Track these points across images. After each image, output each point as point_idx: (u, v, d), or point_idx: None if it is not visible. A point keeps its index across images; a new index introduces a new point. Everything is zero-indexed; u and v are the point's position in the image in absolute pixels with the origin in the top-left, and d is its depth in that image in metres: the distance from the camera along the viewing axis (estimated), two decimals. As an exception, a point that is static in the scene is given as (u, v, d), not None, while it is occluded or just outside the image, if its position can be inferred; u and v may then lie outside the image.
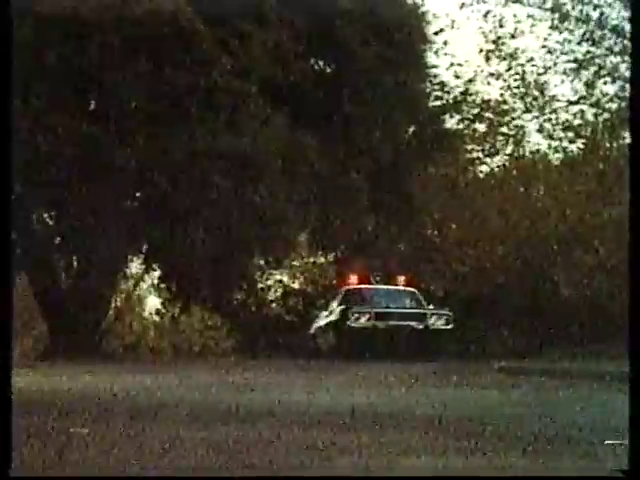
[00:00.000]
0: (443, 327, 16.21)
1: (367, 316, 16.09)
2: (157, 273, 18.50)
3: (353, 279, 18.04)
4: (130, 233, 16.51)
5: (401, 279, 18.18)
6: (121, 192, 15.74)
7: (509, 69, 21.14)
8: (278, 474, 3.66)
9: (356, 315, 16.15)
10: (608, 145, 21.09)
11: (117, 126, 14.36)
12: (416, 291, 17.86)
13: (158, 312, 22.35)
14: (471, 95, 21.21)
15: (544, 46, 20.89)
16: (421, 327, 16.02)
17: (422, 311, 16.55)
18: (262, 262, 19.11)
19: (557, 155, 21.62)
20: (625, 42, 20.82)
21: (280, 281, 22.56)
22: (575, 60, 20.99)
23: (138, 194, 16.47)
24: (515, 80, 21.16)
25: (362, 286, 18.08)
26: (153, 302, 22.79)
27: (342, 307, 16.76)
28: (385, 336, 15.80)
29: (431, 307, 17.13)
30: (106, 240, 15.96)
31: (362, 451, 4.44)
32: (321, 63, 16.83)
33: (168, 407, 6.91)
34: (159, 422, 5.72)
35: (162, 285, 18.78)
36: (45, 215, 17.42)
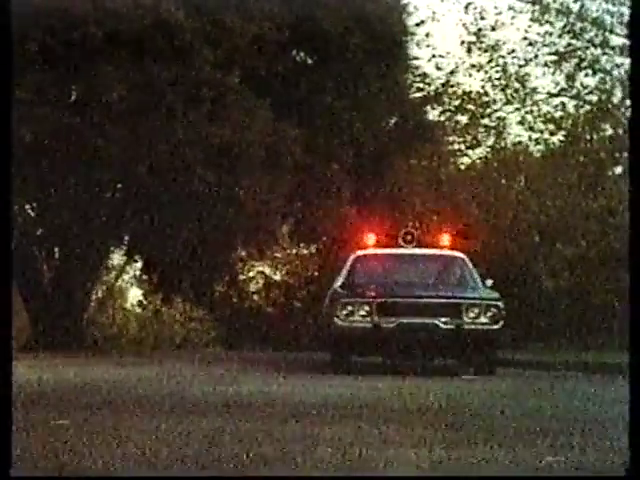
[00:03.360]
0: (487, 327, 10.61)
1: (366, 309, 10.69)
2: (139, 264, 18.50)
3: (369, 239, 12.63)
4: (112, 224, 16.49)
5: (444, 239, 12.88)
6: (103, 183, 15.70)
7: (490, 61, 21.21)
8: (270, 470, 3.68)
9: (348, 308, 10.73)
10: (589, 137, 21.17)
11: (99, 117, 14.30)
12: (465, 258, 12.35)
13: (140, 304, 22.31)
14: (452, 87, 21.26)
15: (525, 38, 20.99)
16: (452, 327, 10.58)
17: (457, 300, 10.86)
18: (244, 254, 19.12)
19: (538, 147, 21.70)
20: (606, 34, 20.93)
21: (262, 273, 22.57)
22: (556, 52, 21.09)
23: (120, 185, 16.44)
24: (496, 72, 21.23)
25: (377, 251, 12.50)
26: (135, 294, 22.77)
27: (331, 291, 11.58)
28: (392, 345, 10.63)
29: (487, 287, 11.66)
30: (88, 231, 15.93)
31: (339, 443, 4.47)
32: (303, 54, 16.81)
33: (149, 398, 6.92)
34: (140, 413, 5.73)
35: (144, 277, 18.77)
36: (27, 206, 17.36)
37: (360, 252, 12.43)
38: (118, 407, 6.23)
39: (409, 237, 12.51)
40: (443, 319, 10.63)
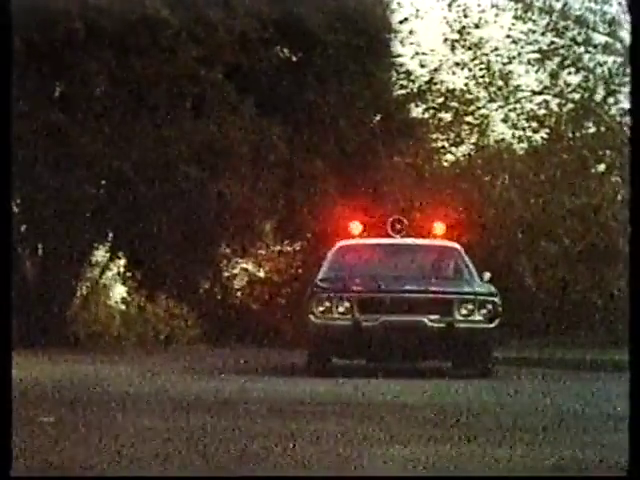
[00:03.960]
0: (481, 325, 9.57)
1: (345, 305, 9.62)
2: (123, 261, 18.46)
3: (354, 227, 11.43)
4: (96, 221, 16.46)
5: (438, 228, 11.61)
6: (86, 180, 15.67)
7: (474, 59, 21.25)
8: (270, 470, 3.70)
9: (325, 304, 9.66)
10: (572, 135, 21.27)
11: (82, 113, 14.28)
12: (460, 248, 11.25)
13: (124, 300, 22.30)
14: (436, 84, 21.29)
15: (508, 36, 21.03)
16: (441, 325, 9.49)
17: (447, 295, 9.83)
18: (228, 251, 19.12)
19: (521, 145, 21.79)
20: (588, 32, 21.00)
21: (246, 270, 22.57)
22: (539, 50, 21.15)
23: (104, 182, 16.41)
24: (480, 70, 21.26)
25: (362, 241, 11.34)
26: (119, 290, 22.73)
27: (310, 286, 10.45)
28: (374, 345, 9.62)
29: (485, 281, 10.60)
30: (72, 228, 15.89)
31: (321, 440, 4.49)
32: (287, 51, 16.83)
33: (131, 396, 6.93)
34: (122, 411, 5.75)
35: (128, 273, 18.74)
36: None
37: (344, 242, 11.26)
38: (102, 404, 6.23)
39: (398, 226, 11.22)
40: (432, 316, 9.48)
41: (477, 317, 9.57)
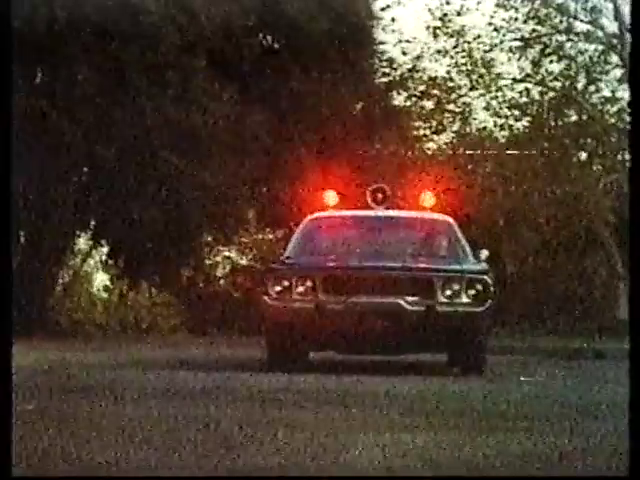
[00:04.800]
0: (468, 309, 8.13)
1: (307, 284, 8.16)
2: (105, 249, 18.41)
3: (328, 197, 9.81)
4: (78, 208, 16.40)
5: (427, 199, 9.90)
6: (68, 167, 15.61)
7: (456, 46, 21.26)
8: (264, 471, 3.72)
9: (283, 284, 8.22)
10: (553, 124, 21.33)
11: (64, 100, 14.22)
12: (452, 222, 9.80)
13: (106, 288, 22.22)
14: (418, 72, 21.30)
15: (490, 24, 21.05)
16: (421, 308, 8.10)
17: (428, 273, 8.42)
18: (210, 238, 19.09)
19: (503, 133, 21.83)
20: (570, 21, 21.04)
21: (228, 258, 22.56)
22: (521, 38, 21.18)
23: (85, 169, 16.36)
24: (462, 57, 21.28)
25: (336, 213, 9.75)
26: (101, 278, 22.66)
27: (269, 266, 9.16)
28: (340, 333, 8.26)
29: (481, 260, 9.17)
30: (53, 216, 15.84)
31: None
32: (269, 39, 16.80)
33: (112, 383, 6.93)
34: (103, 398, 5.76)
35: (110, 261, 18.68)
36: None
37: (315, 215, 9.74)
38: (84, 392, 6.24)
39: (380, 195, 9.66)
40: (410, 298, 8.06)
41: (464, 299, 8.11)
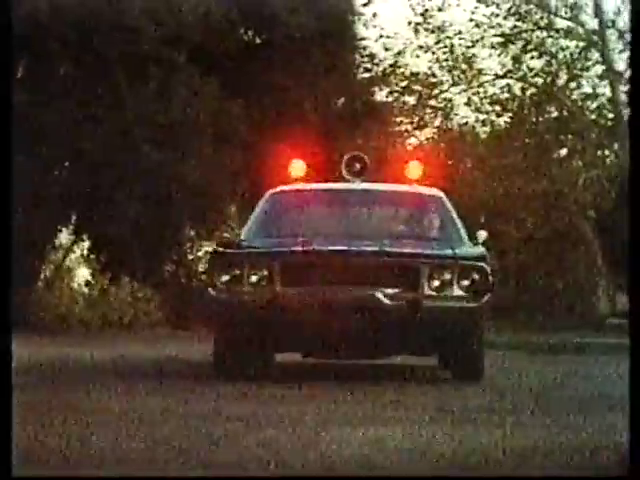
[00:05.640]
0: (461, 304, 6.57)
1: (263, 273, 6.57)
2: (87, 244, 18.40)
3: (295, 168, 8.16)
4: (59, 203, 16.39)
5: (413, 170, 8.24)
6: (50, 161, 15.60)
7: (437, 42, 21.31)
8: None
9: (232, 272, 6.61)
10: (534, 119, 21.42)
11: (45, 94, 14.21)
12: (443, 197, 8.19)
13: (88, 283, 22.17)
14: (400, 67, 21.35)
15: (472, 20, 21.12)
16: (403, 303, 6.45)
17: (412, 259, 6.73)
18: (192, 233, 19.10)
19: (484, 128, 21.91)
20: (551, 17, 21.14)
21: (210, 252, 22.54)
22: (502, 34, 21.25)
23: (67, 163, 16.34)
24: (443, 53, 21.34)
25: (304, 187, 8.12)
26: (83, 273, 22.62)
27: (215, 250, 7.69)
28: (304, 332, 6.60)
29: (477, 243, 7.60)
30: (35, 210, 15.82)
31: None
32: (251, 33, 16.82)
33: (91, 378, 6.95)
34: (82, 392, 5.78)
35: (92, 256, 18.68)
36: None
37: (278, 189, 8.19)
38: (65, 387, 6.26)
39: (357, 165, 8.09)
40: (389, 290, 6.47)
41: (456, 291, 6.56)
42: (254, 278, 6.57)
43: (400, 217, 8.38)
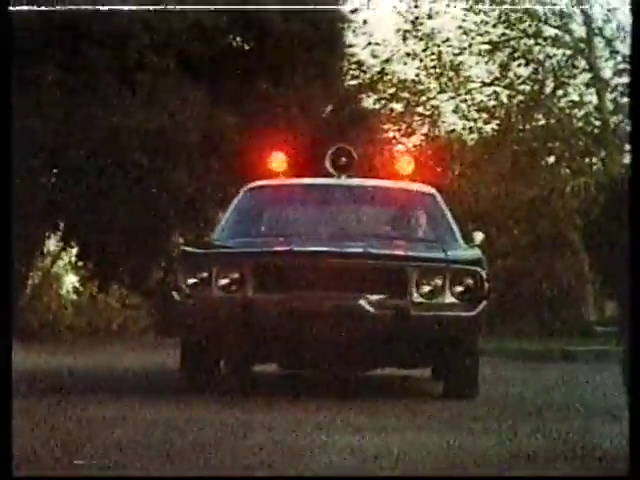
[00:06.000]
0: (453, 313, 6.00)
1: (233, 276, 5.97)
2: (75, 251, 18.35)
3: (274, 161, 7.81)
4: (47, 209, 16.34)
5: (405, 165, 7.75)
6: (38, 168, 15.55)
7: (425, 49, 21.39)
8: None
9: (200, 275, 6.03)
10: (522, 127, 21.50)
11: (32, 101, 14.16)
12: (436, 195, 7.66)
13: (76, 290, 22.15)
14: (388, 75, 21.41)
15: (460, 27, 21.20)
16: (388, 311, 5.89)
17: (399, 262, 6.17)
18: (181, 240, 19.06)
19: (472, 136, 21.97)
20: (539, 25, 21.23)
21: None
22: (490, 42, 21.34)
23: (55, 170, 16.30)
24: (431, 60, 21.42)
25: (283, 182, 7.68)
26: (71, 280, 22.60)
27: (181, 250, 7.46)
28: (278, 343, 6.10)
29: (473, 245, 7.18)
30: (23, 217, 15.76)
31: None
32: (240, 40, 16.81)
33: (79, 385, 6.93)
34: (70, 400, 5.76)
35: (80, 263, 18.63)
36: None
37: (255, 184, 7.73)
38: (52, 394, 6.24)
39: (344, 159, 7.52)
40: (374, 297, 5.89)
41: (448, 298, 5.97)
42: (223, 282, 5.95)
43: (389, 216, 7.72)
